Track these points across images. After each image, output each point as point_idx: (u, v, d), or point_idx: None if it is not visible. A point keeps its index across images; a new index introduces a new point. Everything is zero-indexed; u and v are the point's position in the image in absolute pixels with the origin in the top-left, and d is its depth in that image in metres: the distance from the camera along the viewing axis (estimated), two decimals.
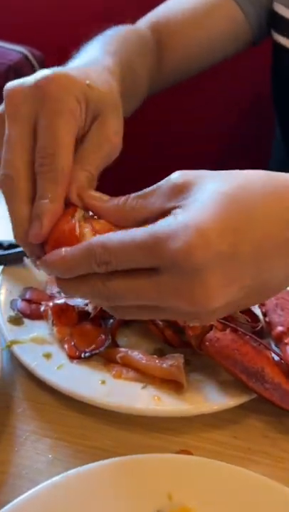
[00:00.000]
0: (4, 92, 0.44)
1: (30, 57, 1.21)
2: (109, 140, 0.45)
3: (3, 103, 0.44)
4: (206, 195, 0.36)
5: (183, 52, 0.84)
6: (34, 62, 1.21)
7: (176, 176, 0.38)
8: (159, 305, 0.37)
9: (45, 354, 0.52)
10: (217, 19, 0.84)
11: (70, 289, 0.39)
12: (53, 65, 1.39)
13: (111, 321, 0.56)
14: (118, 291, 0.37)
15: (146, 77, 0.77)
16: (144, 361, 0.51)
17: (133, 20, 0.85)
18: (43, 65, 1.24)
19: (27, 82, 0.43)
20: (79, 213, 0.41)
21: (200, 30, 0.84)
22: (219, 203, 0.35)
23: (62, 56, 1.45)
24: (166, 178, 0.39)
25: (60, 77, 0.44)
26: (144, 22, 0.84)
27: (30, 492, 0.40)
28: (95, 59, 0.57)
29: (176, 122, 1.45)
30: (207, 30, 0.84)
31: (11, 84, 0.44)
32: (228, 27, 0.84)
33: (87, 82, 0.46)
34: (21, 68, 1.18)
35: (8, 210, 0.42)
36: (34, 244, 0.41)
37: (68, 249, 0.38)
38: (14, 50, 1.23)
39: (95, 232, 0.40)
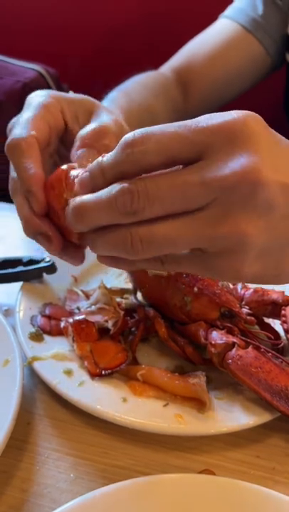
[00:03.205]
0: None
1: (45, 74, 1.23)
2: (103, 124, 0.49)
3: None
4: None
5: (205, 90, 0.88)
6: (49, 79, 1.23)
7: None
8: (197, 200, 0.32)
9: (65, 371, 0.51)
10: (237, 55, 0.87)
11: (92, 214, 0.35)
12: (67, 82, 1.42)
13: (131, 337, 0.56)
14: (151, 189, 0.32)
15: (167, 116, 0.80)
16: (165, 379, 0.50)
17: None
18: (58, 83, 1.26)
19: None
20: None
21: (221, 69, 0.87)
22: None
23: (76, 73, 1.47)
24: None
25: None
26: (167, 67, 0.88)
27: None
28: None
29: None
30: (228, 68, 0.87)
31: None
32: (248, 60, 0.87)
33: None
34: (37, 86, 1.19)
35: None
36: None
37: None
38: (29, 68, 1.25)
39: None
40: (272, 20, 0.86)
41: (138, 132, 0.33)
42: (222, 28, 0.88)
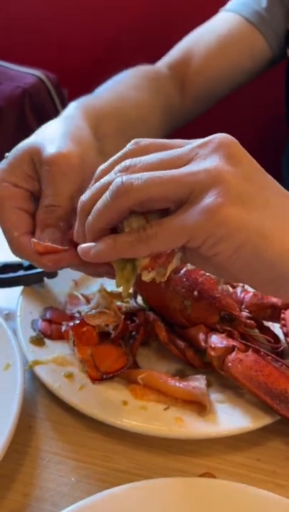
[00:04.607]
0: None
1: (45, 80, 1.24)
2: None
3: None
4: None
5: (203, 86, 0.87)
6: (49, 85, 1.23)
7: None
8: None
9: (66, 375, 0.52)
10: (238, 50, 0.86)
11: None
12: (67, 88, 1.41)
13: (131, 341, 0.56)
14: (144, 157, 0.38)
15: (160, 111, 0.80)
16: (166, 383, 0.50)
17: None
18: (58, 88, 1.27)
19: None
20: None
21: (221, 64, 0.86)
22: None
23: (76, 79, 1.48)
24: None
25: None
26: (163, 63, 0.88)
27: None
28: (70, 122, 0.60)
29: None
30: (228, 63, 0.86)
31: None
32: (250, 55, 0.86)
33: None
34: (37, 91, 1.20)
35: None
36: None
37: None
38: (29, 73, 1.26)
39: None
40: (276, 13, 0.85)
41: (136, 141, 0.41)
42: (224, 22, 0.87)
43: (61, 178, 0.48)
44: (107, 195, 0.38)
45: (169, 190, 0.37)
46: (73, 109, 0.62)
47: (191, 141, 0.40)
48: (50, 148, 0.48)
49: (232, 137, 0.39)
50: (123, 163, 0.39)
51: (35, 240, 0.46)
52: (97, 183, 0.40)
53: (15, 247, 0.48)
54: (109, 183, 0.39)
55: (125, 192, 0.37)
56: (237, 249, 0.37)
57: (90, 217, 0.40)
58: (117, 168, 0.39)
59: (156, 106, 0.80)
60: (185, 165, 0.38)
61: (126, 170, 0.38)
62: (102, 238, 0.40)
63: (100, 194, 0.39)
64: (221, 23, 0.87)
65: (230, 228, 0.36)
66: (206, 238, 0.37)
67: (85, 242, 0.41)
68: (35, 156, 0.49)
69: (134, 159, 0.39)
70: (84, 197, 0.41)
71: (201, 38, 0.87)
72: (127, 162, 0.39)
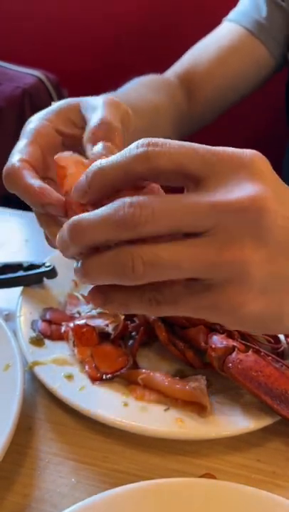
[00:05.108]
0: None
1: (45, 80, 1.24)
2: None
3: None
4: None
5: (210, 95, 0.88)
6: (49, 85, 1.24)
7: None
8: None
9: (66, 375, 0.52)
10: (241, 60, 0.86)
11: (88, 229, 0.32)
12: (67, 88, 1.42)
13: (131, 341, 0.56)
14: (157, 204, 0.30)
15: (171, 115, 0.80)
16: (166, 383, 0.50)
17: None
18: (58, 89, 1.27)
19: None
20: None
21: (225, 74, 0.87)
22: None
23: (76, 79, 1.48)
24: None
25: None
26: (171, 73, 0.89)
27: None
28: None
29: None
30: (232, 72, 0.87)
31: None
32: (252, 64, 0.87)
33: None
34: (36, 92, 1.20)
35: None
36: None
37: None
38: (29, 73, 1.26)
39: None
40: (276, 21, 0.86)
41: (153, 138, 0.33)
42: (226, 32, 0.88)
43: (113, 109, 0.46)
44: (111, 267, 0.32)
45: (184, 275, 0.32)
46: None
47: (210, 148, 0.33)
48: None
49: (268, 198, 0.32)
50: (128, 210, 0.31)
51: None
52: (98, 215, 0.32)
53: (10, 171, 0.43)
54: (115, 223, 0.31)
55: (134, 275, 0.31)
56: (248, 329, 0.37)
57: (88, 277, 0.33)
58: (121, 211, 0.31)
59: (169, 109, 0.80)
60: (205, 231, 0.31)
61: (133, 225, 0.31)
62: (112, 295, 0.34)
63: (101, 230, 0.32)
64: (222, 34, 0.88)
65: (248, 322, 0.34)
66: (220, 323, 0.35)
67: (68, 253, 0.35)
68: (83, 105, 0.49)
69: (145, 207, 0.30)
70: (79, 219, 0.33)
71: (205, 49, 0.88)
72: (135, 212, 0.30)
